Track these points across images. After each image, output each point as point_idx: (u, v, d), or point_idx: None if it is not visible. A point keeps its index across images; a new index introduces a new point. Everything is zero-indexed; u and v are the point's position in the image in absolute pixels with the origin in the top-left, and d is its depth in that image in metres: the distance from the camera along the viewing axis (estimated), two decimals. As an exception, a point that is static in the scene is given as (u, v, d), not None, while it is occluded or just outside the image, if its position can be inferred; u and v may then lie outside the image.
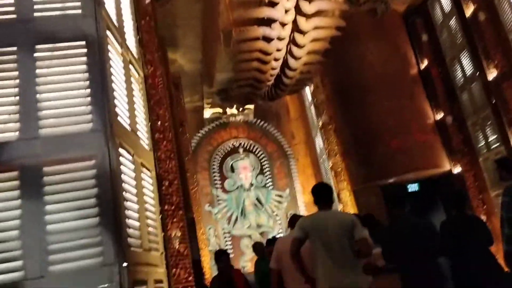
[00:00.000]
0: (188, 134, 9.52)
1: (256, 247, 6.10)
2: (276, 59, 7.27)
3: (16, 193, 1.99)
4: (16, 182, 2.01)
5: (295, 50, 7.09)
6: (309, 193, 11.32)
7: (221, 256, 4.98)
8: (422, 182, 9.29)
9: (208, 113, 12.55)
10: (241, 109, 12.59)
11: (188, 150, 9.37)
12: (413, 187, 9.41)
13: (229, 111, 12.64)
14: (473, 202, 8.22)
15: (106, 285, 1.88)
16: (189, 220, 8.43)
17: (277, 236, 11.22)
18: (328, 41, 7.69)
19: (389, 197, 8.84)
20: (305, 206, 12.21)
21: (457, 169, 8.65)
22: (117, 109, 2.27)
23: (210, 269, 9.15)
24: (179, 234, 3.59)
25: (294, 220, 4.80)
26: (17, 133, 2.08)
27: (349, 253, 3.26)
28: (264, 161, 12.47)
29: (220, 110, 12.55)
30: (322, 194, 3.60)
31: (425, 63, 9.17)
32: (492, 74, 6.99)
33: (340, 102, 9.55)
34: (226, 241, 11.53)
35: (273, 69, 7.51)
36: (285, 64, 7.55)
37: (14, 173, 2.02)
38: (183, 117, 9.41)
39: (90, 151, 2.10)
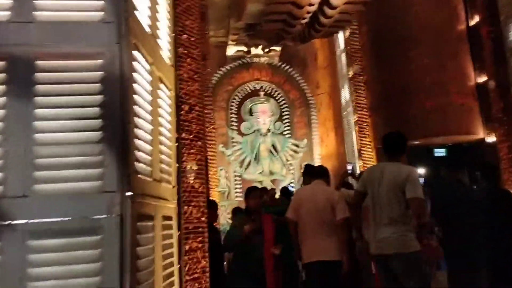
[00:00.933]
0: (210, 69, 8.98)
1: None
2: (316, -5, 6.56)
3: (1, 88, 1.56)
4: (2, 75, 1.57)
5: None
6: (327, 145, 10.87)
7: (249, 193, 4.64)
8: (451, 148, 8.76)
9: (231, 50, 11.91)
10: (266, 50, 11.91)
11: (209, 86, 8.87)
12: (440, 152, 8.90)
13: (253, 51, 11.97)
14: (504, 175, 7.72)
15: (103, 216, 1.49)
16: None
17: (290, 185, 10.97)
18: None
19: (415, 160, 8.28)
20: (321, 158, 11.82)
21: (491, 138, 8.06)
22: (135, 0, 1.79)
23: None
24: (195, 167, 3.21)
25: (308, 169, 4.42)
26: (8, 12, 1.62)
27: (397, 209, 2.93)
28: (284, 107, 11.95)
29: (244, 48, 11.89)
30: (390, 143, 3.31)
31: (476, 19, 8.31)
32: (556, 37, 6.22)
33: (375, 53, 8.83)
34: (236, 184, 11.31)
35: (310, 4, 6.80)
36: (325, 1, 6.82)
37: (1, 64, 1.58)
38: (207, 50, 8.82)
39: (97, 47, 1.64)
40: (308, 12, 7.25)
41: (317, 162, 11.70)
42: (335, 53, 11.57)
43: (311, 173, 4.39)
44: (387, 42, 8.46)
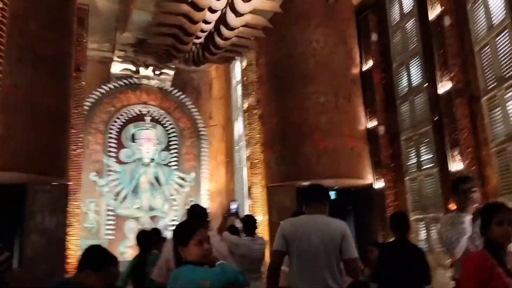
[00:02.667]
0: (85, 83, 7.65)
1: (142, 236, 4.68)
2: (212, 10, 5.84)
3: None
4: None
5: (239, 3, 5.73)
6: (216, 181, 9.97)
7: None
8: (340, 191, 8.53)
9: (117, 68, 10.63)
10: (158, 72, 10.88)
11: (81, 102, 7.51)
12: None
13: (143, 72, 10.84)
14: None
15: None
16: (61, 188, 6.67)
17: (171, 223, 9.79)
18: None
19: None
20: (208, 195, 10.91)
21: (379, 184, 7.97)
22: None
23: (79, 249, 7.41)
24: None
25: (193, 211, 3.46)
26: None
27: (331, 270, 2.64)
28: (172, 136, 10.90)
29: (133, 67, 10.70)
30: (314, 192, 2.98)
31: (369, 64, 8.39)
32: (444, 88, 6.30)
33: (272, 86, 8.39)
34: (108, 220, 9.78)
35: (206, 22, 6.07)
36: (222, 20, 6.15)
37: None
38: (82, 60, 7.54)
39: None
40: (203, 31, 6.52)
41: (204, 199, 10.77)
42: (231, 84, 11.02)
43: (192, 214, 3.44)
44: (285, 76, 8.08)
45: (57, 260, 6.51)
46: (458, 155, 5.96)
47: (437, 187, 6.60)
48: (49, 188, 6.56)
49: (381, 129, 7.95)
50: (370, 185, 8.10)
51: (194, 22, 6.13)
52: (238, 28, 6.40)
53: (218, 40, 6.58)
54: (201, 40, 6.93)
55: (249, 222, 4.80)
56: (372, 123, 8.10)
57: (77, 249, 7.15)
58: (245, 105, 8.86)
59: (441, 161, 6.51)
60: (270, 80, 8.46)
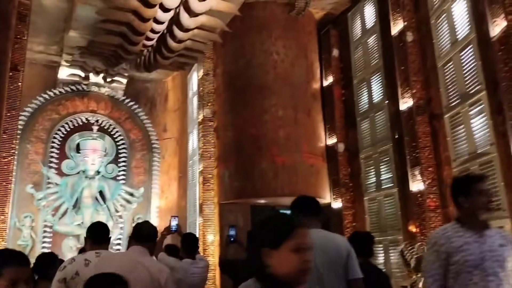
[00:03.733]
0: (21, 83, 6.88)
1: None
2: (165, 9, 5.37)
3: None
4: None
5: (193, 3, 5.28)
6: (167, 197, 9.23)
7: None
8: (297, 211, 8.12)
9: (64, 73, 9.87)
10: (109, 79, 10.19)
11: (16, 105, 6.73)
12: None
13: (93, 78, 10.12)
14: (347, 244, 7.26)
15: None
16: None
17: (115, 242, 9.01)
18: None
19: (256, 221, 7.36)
20: (158, 212, 10.20)
21: (337, 204, 7.65)
22: None
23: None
24: None
25: (139, 229, 2.84)
26: None
27: None
28: (121, 148, 10.17)
29: (81, 73, 9.96)
30: (307, 203, 2.68)
31: (329, 80, 8.18)
32: (405, 105, 6.10)
33: (229, 98, 7.97)
34: (44, 237, 8.86)
35: (158, 22, 5.59)
36: (175, 20, 5.68)
37: None
38: (20, 59, 6.79)
39: None
40: (154, 31, 6.02)
41: (153, 216, 10.06)
42: (188, 95, 10.50)
43: (137, 234, 2.81)
44: (242, 88, 7.69)
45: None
46: (419, 175, 5.73)
47: (396, 208, 6.34)
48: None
49: (341, 147, 7.69)
50: (328, 204, 7.76)
51: (144, 20, 5.63)
52: (192, 30, 5.95)
53: (170, 42, 6.10)
54: (153, 42, 6.43)
55: (189, 242, 4.24)
56: (332, 140, 7.83)
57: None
58: (200, 117, 8.36)
59: (401, 180, 6.28)
60: (227, 91, 8.04)
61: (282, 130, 7.42)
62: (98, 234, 2.84)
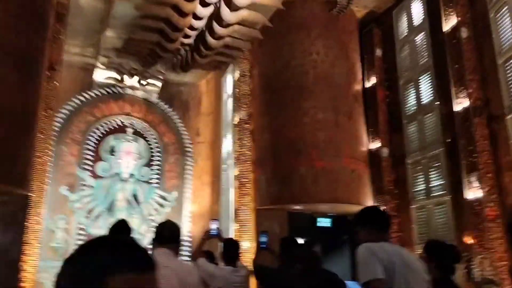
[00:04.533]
0: (58, 83, 6.82)
1: None
2: (204, 3, 5.14)
3: None
4: None
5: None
6: (200, 202, 8.94)
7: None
8: (337, 219, 7.72)
9: (100, 75, 9.84)
10: (144, 82, 10.11)
11: (52, 105, 6.67)
12: (323, 222, 7.78)
13: (128, 81, 10.06)
14: (392, 255, 6.79)
15: None
16: (20, 199, 5.77)
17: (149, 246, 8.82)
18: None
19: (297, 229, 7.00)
20: (190, 217, 9.98)
21: (380, 212, 7.18)
22: None
23: (36, 271, 6.43)
24: None
25: (161, 229, 2.65)
26: None
27: None
28: (155, 152, 10.04)
29: (117, 76, 9.92)
30: (382, 216, 2.48)
31: (372, 81, 7.77)
32: (460, 105, 5.63)
33: (266, 99, 7.68)
34: (78, 239, 8.77)
35: (197, 18, 5.37)
36: (215, 16, 5.45)
37: None
38: (57, 59, 6.75)
39: None
40: (193, 28, 5.82)
41: (186, 221, 9.84)
42: (222, 98, 10.29)
43: (159, 235, 2.63)
44: (280, 89, 7.39)
45: (9, 284, 5.53)
46: (476, 181, 5.24)
47: (449, 217, 5.85)
48: (6, 199, 5.64)
49: (385, 151, 7.25)
50: (370, 213, 7.31)
51: (184, 14, 5.42)
52: (232, 25, 5.71)
53: (209, 39, 5.87)
54: (191, 41, 6.22)
55: (231, 248, 3.94)
56: (375, 144, 7.40)
57: (34, 272, 6.16)
58: (236, 120, 8.10)
59: (455, 188, 5.79)
60: (263, 92, 7.76)
61: (322, 133, 7.07)
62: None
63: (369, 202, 7.24)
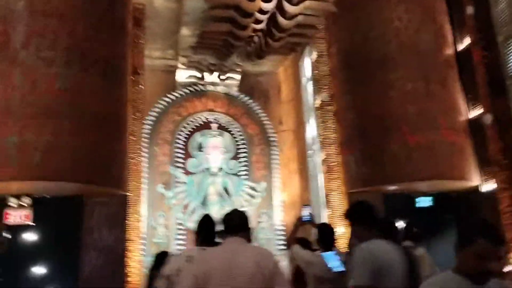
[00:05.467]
0: (143, 87, 7.16)
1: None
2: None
3: None
4: None
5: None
6: (289, 191, 8.86)
7: None
8: (437, 197, 7.10)
9: (182, 75, 10.19)
10: (223, 77, 10.27)
11: (140, 107, 7.02)
12: (423, 202, 7.20)
13: (208, 78, 10.29)
14: (508, 233, 6.07)
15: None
16: (120, 199, 6.14)
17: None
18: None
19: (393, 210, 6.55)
20: (282, 206, 9.94)
21: (488, 186, 6.47)
22: None
23: (142, 266, 6.82)
24: None
25: (227, 223, 2.59)
26: None
27: None
28: (241, 144, 10.15)
29: (197, 74, 10.20)
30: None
31: (466, 42, 7.00)
32: None
33: (348, 77, 7.30)
34: (177, 234, 9.20)
35: (266, 0, 5.22)
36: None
37: None
38: (140, 63, 7.08)
39: None
40: (262, 12, 5.68)
41: (277, 210, 9.84)
42: (301, 83, 10.06)
43: (226, 225, 2.57)
44: (362, 64, 6.97)
45: (117, 279, 5.93)
46: None
47: None
48: (107, 200, 6.04)
49: (488, 118, 6.48)
50: (476, 188, 6.62)
51: (252, -1, 5.34)
52: (303, 1, 5.46)
53: (281, 20, 5.70)
54: (263, 25, 6.10)
55: (326, 233, 3.77)
56: (475, 112, 6.66)
57: (139, 267, 6.55)
58: (317, 102, 7.83)
59: None
60: (344, 71, 7.38)
61: (412, 105, 6.52)
62: (206, 231, 2.77)
63: (475, 176, 6.55)
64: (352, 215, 2.68)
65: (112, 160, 5.71)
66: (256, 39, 6.75)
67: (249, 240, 2.49)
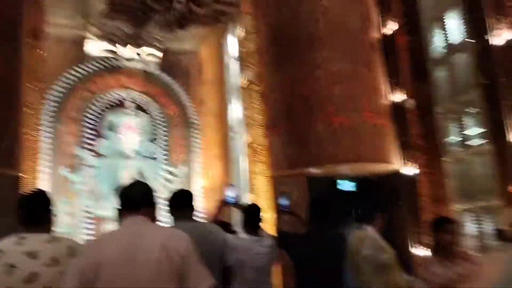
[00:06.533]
0: (43, 52, 6.17)
1: None
2: None
3: None
4: None
5: None
6: (211, 176, 8.63)
7: None
8: (360, 180, 7.06)
9: (93, 47, 9.18)
10: (141, 53, 9.42)
11: (38, 75, 6.03)
12: (345, 186, 7.13)
13: (124, 52, 9.37)
14: (425, 216, 6.17)
15: None
16: (10, 181, 5.20)
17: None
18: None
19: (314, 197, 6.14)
20: (202, 192, 9.44)
21: (408, 170, 6.54)
22: None
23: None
24: None
25: (126, 197, 2.00)
26: None
27: None
28: (158, 125, 9.43)
29: (112, 48, 9.25)
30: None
31: (391, 26, 6.98)
32: (501, 38, 4.87)
33: (275, 56, 6.93)
34: (85, 222, 8.29)
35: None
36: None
37: None
38: (39, 25, 6.07)
39: None
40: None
41: (198, 196, 9.31)
42: (224, 63, 9.57)
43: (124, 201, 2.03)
44: (289, 42, 6.63)
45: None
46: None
47: (489, 168, 5.17)
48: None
49: (409, 102, 6.53)
50: (397, 171, 6.67)
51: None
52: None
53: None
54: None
55: (252, 214, 3.37)
56: (398, 96, 6.67)
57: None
58: (243, 82, 7.41)
59: (496, 134, 5.09)
60: (271, 49, 7.01)
61: (337, 86, 6.33)
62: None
63: (396, 159, 6.58)
64: None
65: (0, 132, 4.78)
66: (177, 5, 6.12)
67: (153, 219, 1.96)
